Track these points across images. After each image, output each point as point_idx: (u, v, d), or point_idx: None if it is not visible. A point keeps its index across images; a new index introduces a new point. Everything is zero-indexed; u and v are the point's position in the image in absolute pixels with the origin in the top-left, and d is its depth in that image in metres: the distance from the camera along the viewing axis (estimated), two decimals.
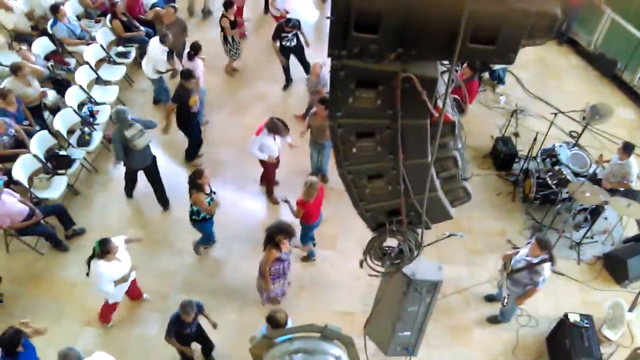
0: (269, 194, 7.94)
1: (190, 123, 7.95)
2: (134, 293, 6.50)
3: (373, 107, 2.38)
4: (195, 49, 8.36)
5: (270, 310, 5.17)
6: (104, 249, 5.56)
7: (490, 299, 6.95)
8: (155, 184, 7.62)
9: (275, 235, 5.80)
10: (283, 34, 8.95)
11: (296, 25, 8.91)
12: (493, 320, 6.75)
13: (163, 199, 7.77)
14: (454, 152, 2.90)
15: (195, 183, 6.27)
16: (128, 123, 6.78)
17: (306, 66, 9.31)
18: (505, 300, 6.00)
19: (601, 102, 8.16)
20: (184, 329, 5.52)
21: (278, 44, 9.06)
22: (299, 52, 9.26)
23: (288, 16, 9.12)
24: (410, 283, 3.98)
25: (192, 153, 8.38)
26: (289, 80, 9.72)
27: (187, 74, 7.49)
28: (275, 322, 4.97)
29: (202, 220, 6.64)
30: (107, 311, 6.33)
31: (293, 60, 9.48)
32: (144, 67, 8.70)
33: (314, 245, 7.24)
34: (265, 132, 7.07)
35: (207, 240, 7.12)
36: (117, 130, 6.85)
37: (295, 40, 9.08)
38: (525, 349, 6.56)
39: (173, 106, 7.69)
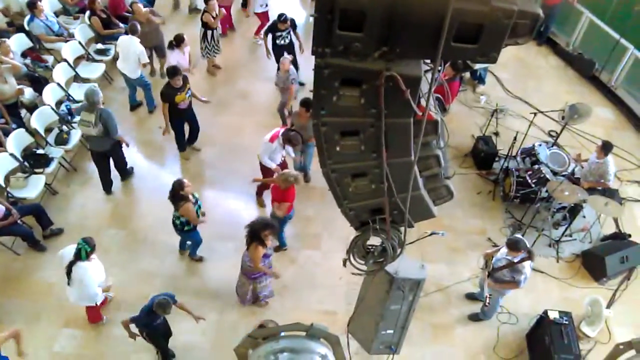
0: (258, 195, 7.87)
1: (178, 119, 7.84)
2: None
3: (357, 105, 2.38)
4: (178, 40, 8.30)
5: (262, 320, 5.14)
6: (93, 245, 5.53)
7: (471, 297, 7.01)
8: (115, 163, 7.71)
9: (261, 231, 5.75)
10: (277, 32, 8.90)
11: (291, 23, 8.85)
12: (474, 317, 6.81)
13: (121, 173, 7.88)
14: (436, 150, 2.91)
15: (179, 195, 6.16)
16: (90, 107, 6.82)
17: (296, 66, 9.26)
18: (487, 301, 6.06)
19: (580, 102, 8.29)
20: (154, 322, 5.48)
21: (271, 40, 9.00)
22: (291, 50, 9.21)
23: (280, 13, 9.01)
24: (393, 281, 3.99)
25: (180, 143, 8.27)
26: None
27: (172, 72, 7.34)
28: None
29: (193, 229, 6.58)
30: (96, 311, 6.23)
31: None
32: (122, 69, 8.46)
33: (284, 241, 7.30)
34: (280, 140, 7.01)
35: (198, 245, 7.03)
36: (79, 108, 7.00)
37: (288, 38, 9.03)
38: (506, 346, 6.64)
39: (166, 106, 7.58)
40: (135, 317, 5.48)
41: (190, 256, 7.13)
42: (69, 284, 5.68)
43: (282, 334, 3.81)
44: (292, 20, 8.92)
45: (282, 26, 8.78)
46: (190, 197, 6.28)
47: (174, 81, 7.35)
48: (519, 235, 6.03)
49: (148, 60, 8.63)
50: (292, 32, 9.04)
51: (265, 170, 7.32)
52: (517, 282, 5.92)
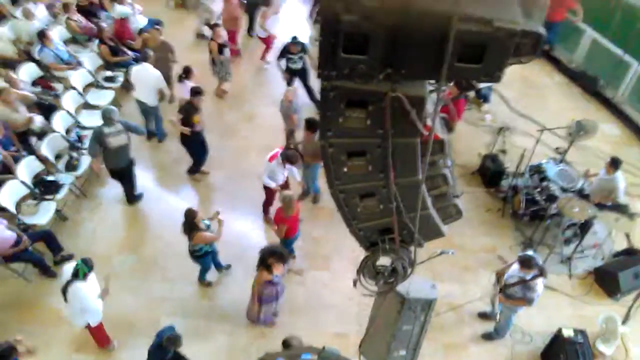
0: (265, 213, 7.92)
1: (192, 139, 7.96)
2: None
3: (363, 126, 2.41)
4: (187, 72, 8.40)
5: (287, 335, 5.12)
6: (91, 267, 5.56)
7: (483, 315, 6.93)
8: (125, 184, 7.90)
9: (267, 257, 5.78)
10: (290, 56, 9.01)
11: (303, 48, 8.96)
12: (487, 337, 6.73)
13: (128, 197, 8.00)
14: (444, 170, 2.92)
15: (193, 224, 6.19)
16: (111, 121, 7.06)
17: (309, 90, 9.32)
18: (498, 317, 5.99)
19: (585, 118, 8.28)
20: (166, 357, 5.44)
21: (284, 63, 9.11)
22: (303, 75, 9.30)
23: (293, 35, 9.11)
24: (405, 302, 3.96)
25: (194, 168, 8.40)
26: None
27: (196, 92, 7.62)
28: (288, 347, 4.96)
29: (204, 254, 6.61)
30: (101, 334, 6.20)
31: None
32: (140, 98, 8.52)
33: (294, 257, 7.24)
34: (279, 159, 7.08)
35: (206, 270, 7.03)
36: (99, 127, 7.14)
37: (301, 63, 9.13)
38: None
39: (179, 116, 7.74)
40: None
41: (200, 282, 7.13)
42: (65, 301, 5.68)
43: (294, 357, 3.79)
44: (304, 45, 9.03)
45: (294, 49, 8.90)
46: (202, 224, 6.28)
47: (197, 101, 7.62)
48: (531, 252, 5.98)
49: (165, 85, 8.64)
50: (304, 57, 9.13)
51: (267, 190, 7.40)
52: (529, 300, 5.85)
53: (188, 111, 7.65)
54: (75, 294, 5.56)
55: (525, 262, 5.73)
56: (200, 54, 10.07)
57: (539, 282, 5.78)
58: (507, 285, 5.95)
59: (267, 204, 7.80)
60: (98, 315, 5.92)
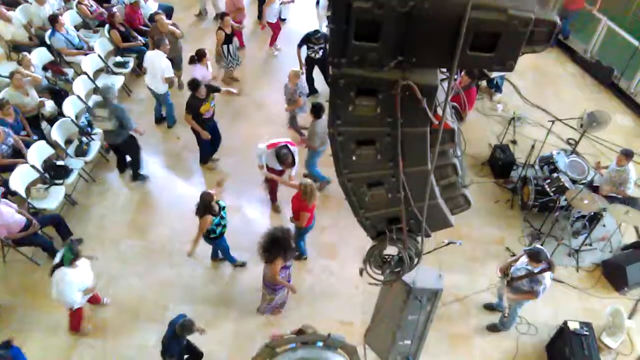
0: (272, 201, 7.94)
1: (203, 129, 7.94)
2: (92, 298, 6.41)
3: (373, 115, 2.38)
4: (200, 55, 8.39)
5: (302, 325, 5.14)
6: (76, 253, 5.58)
7: (489, 307, 6.93)
8: (120, 159, 8.24)
9: (283, 247, 5.78)
10: (310, 45, 8.98)
11: (326, 39, 8.90)
12: (493, 328, 6.73)
13: (134, 173, 8.21)
14: (453, 159, 2.89)
15: (208, 206, 6.17)
16: (105, 101, 7.20)
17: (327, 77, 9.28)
18: (507, 311, 5.98)
19: (598, 109, 8.19)
20: (180, 345, 5.50)
21: (304, 53, 9.08)
22: (322, 64, 9.26)
23: (315, 29, 9.08)
24: (411, 291, 3.95)
25: (204, 156, 8.42)
26: (313, 91, 9.68)
27: (194, 85, 7.53)
28: None
29: (219, 236, 6.58)
30: (76, 320, 6.26)
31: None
32: (150, 84, 8.58)
33: (304, 251, 7.29)
34: (273, 153, 7.01)
35: (228, 252, 7.05)
36: (90, 106, 7.39)
37: (321, 52, 9.09)
38: (525, 357, 6.53)
39: (189, 116, 7.73)
40: (168, 353, 5.43)
41: (231, 262, 7.17)
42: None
43: (300, 343, 3.80)
44: (326, 36, 8.98)
45: (316, 41, 8.91)
46: (215, 205, 6.26)
47: (199, 92, 7.55)
48: (539, 246, 5.95)
49: (172, 75, 8.70)
50: (325, 47, 9.05)
51: (268, 179, 7.44)
52: (536, 293, 5.84)
53: (194, 106, 7.62)
54: (58, 278, 5.62)
55: (534, 256, 5.71)
56: (212, 38, 10.04)
57: (547, 276, 5.76)
58: (514, 279, 5.93)
59: (272, 192, 7.81)
60: (74, 304, 5.95)
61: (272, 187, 7.74)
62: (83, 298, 5.97)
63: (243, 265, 7.19)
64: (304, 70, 9.20)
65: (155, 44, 8.51)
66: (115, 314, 6.61)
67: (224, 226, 6.54)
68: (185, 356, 5.80)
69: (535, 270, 5.75)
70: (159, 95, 8.73)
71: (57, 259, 5.75)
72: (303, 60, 9.20)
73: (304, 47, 9.06)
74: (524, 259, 5.92)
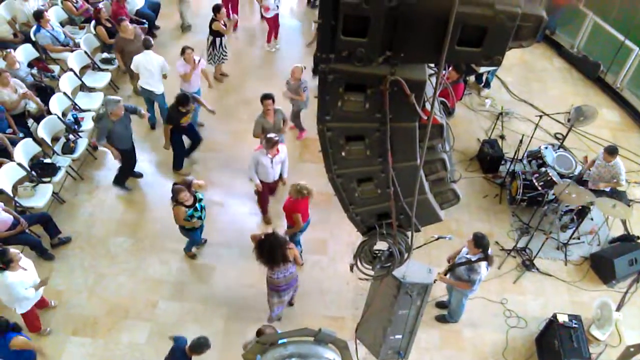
0: (263, 213, 7.76)
1: (178, 135, 7.84)
2: (40, 302, 6.29)
3: (362, 110, 2.39)
4: (183, 50, 8.25)
5: (261, 326, 5.11)
6: (4, 260, 5.49)
7: (440, 305, 6.95)
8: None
9: (283, 248, 5.75)
10: None
11: None
12: (441, 319, 6.76)
13: (115, 177, 8.03)
14: (442, 154, 2.91)
15: (174, 196, 6.27)
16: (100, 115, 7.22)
17: None
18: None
19: (585, 104, 8.25)
20: None
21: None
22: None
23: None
24: (401, 286, 3.97)
25: (177, 162, 8.23)
26: None
27: (184, 100, 7.36)
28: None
29: (192, 229, 6.62)
30: (32, 319, 6.18)
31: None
32: (147, 87, 8.31)
33: (301, 251, 7.23)
34: (263, 149, 6.88)
35: (192, 244, 7.09)
36: (103, 113, 7.14)
37: None
38: (515, 350, 6.59)
39: (168, 127, 7.65)
40: None
41: (184, 250, 7.17)
42: None
43: (291, 339, 3.80)
44: None
45: None
46: (188, 201, 6.30)
47: (186, 107, 7.40)
48: (482, 233, 5.94)
49: (168, 69, 8.46)
50: None
51: (264, 186, 7.25)
52: (472, 282, 5.89)
53: (176, 119, 7.51)
54: (1, 282, 5.56)
55: (477, 240, 5.73)
56: (197, 35, 9.99)
57: (482, 266, 5.80)
58: (455, 265, 6.00)
59: (263, 204, 7.63)
60: (27, 304, 5.90)
61: (262, 199, 7.58)
62: (37, 293, 5.89)
63: (194, 257, 7.21)
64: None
65: (144, 45, 8.30)
66: (105, 312, 6.57)
67: (199, 218, 6.54)
68: None
69: (473, 259, 5.80)
70: (157, 96, 8.52)
71: None
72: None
73: None
74: (465, 249, 5.98)
